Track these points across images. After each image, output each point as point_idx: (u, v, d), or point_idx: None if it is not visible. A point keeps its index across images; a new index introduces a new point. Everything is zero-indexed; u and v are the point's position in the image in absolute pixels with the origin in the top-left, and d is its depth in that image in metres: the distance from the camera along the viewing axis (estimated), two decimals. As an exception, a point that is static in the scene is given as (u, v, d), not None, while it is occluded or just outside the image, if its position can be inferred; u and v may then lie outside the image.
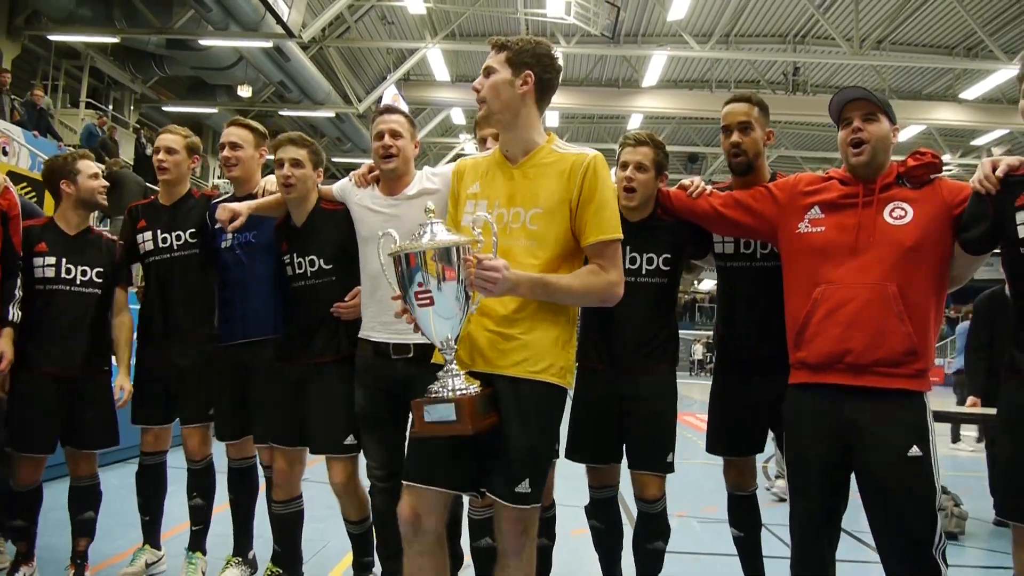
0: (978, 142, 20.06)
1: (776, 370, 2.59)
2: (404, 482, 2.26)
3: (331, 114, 17.34)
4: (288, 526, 3.19)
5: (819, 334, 2.38)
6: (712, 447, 3.01)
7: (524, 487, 2.15)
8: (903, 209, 2.36)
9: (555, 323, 2.24)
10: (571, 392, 2.38)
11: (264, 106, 17.29)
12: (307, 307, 3.04)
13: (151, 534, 3.49)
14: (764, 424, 2.90)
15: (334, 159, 20.02)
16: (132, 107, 17.35)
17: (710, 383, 3.09)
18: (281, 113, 17.59)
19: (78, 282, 3.25)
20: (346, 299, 2.96)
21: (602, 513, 3.04)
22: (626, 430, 2.88)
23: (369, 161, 3.04)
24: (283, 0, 12.14)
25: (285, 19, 12.22)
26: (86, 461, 3.34)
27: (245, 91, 16.28)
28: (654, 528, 2.93)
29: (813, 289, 2.41)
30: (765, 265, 2.77)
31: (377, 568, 3.14)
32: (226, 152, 3.29)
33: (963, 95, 17.25)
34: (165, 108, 17.56)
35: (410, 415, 2.19)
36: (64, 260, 3.24)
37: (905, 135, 17.33)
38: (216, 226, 3.21)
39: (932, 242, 2.34)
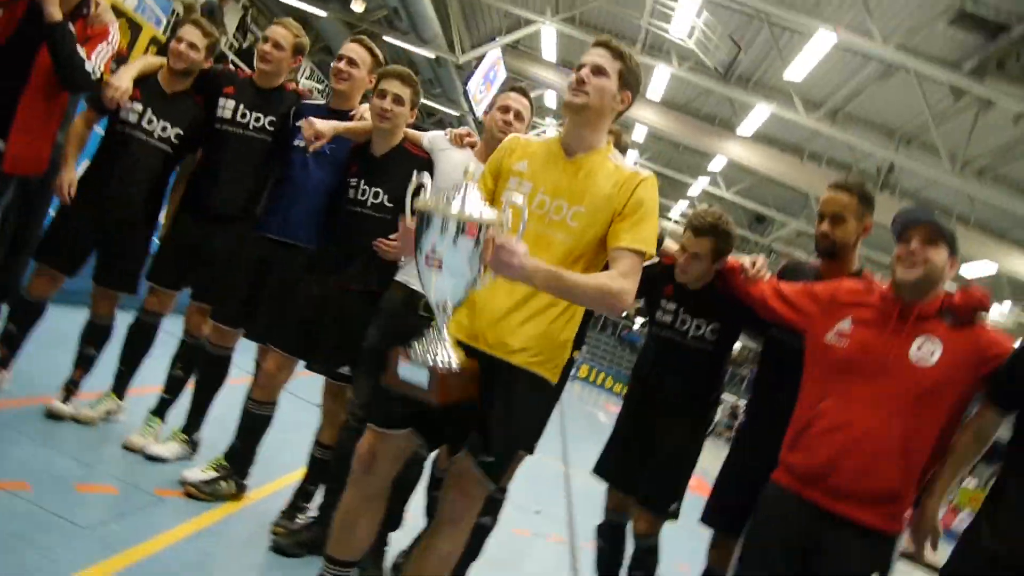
0: (1045, 302, 19.52)
1: None
2: (369, 423, 2.27)
3: (432, 56, 17.34)
4: (254, 427, 3.25)
5: (811, 448, 2.36)
6: (710, 519, 2.98)
7: (494, 465, 2.18)
8: (933, 346, 2.29)
9: (566, 321, 2.26)
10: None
11: (372, 26, 17.32)
12: (354, 233, 3.07)
13: (121, 385, 3.58)
14: None
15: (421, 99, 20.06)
16: (249, -17, 17.49)
17: (725, 451, 3.15)
18: (385, 38, 17.62)
19: (155, 135, 3.35)
20: (391, 237, 2.98)
21: (609, 536, 3.22)
22: (646, 466, 2.99)
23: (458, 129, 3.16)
24: (425, -69, 12.12)
25: (420, -50, 12.21)
26: (108, 301, 3.49)
27: (359, 5, 16.33)
28: (641, 560, 3.08)
29: (820, 400, 2.37)
30: None
31: (315, 502, 3.18)
32: (343, 65, 3.29)
33: (1045, 251, 16.78)
34: (279, -4, 17.67)
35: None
36: (150, 110, 3.33)
37: (975, 271, 16.91)
38: (296, 124, 3.25)
39: (953, 389, 2.27)
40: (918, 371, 2.28)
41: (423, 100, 21.70)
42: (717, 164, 18.48)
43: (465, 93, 18.08)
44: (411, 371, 1.99)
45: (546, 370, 2.23)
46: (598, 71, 2.23)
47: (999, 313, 18.27)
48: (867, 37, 11.03)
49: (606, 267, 2.26)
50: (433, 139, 3.13)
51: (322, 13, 17.30)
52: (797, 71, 12.72)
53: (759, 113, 15.04)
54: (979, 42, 10.92)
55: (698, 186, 20.28)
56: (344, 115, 3.26)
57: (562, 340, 2.26)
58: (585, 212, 2.19)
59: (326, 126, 3.07)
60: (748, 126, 15.91)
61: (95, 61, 3.02)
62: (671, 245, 3.00)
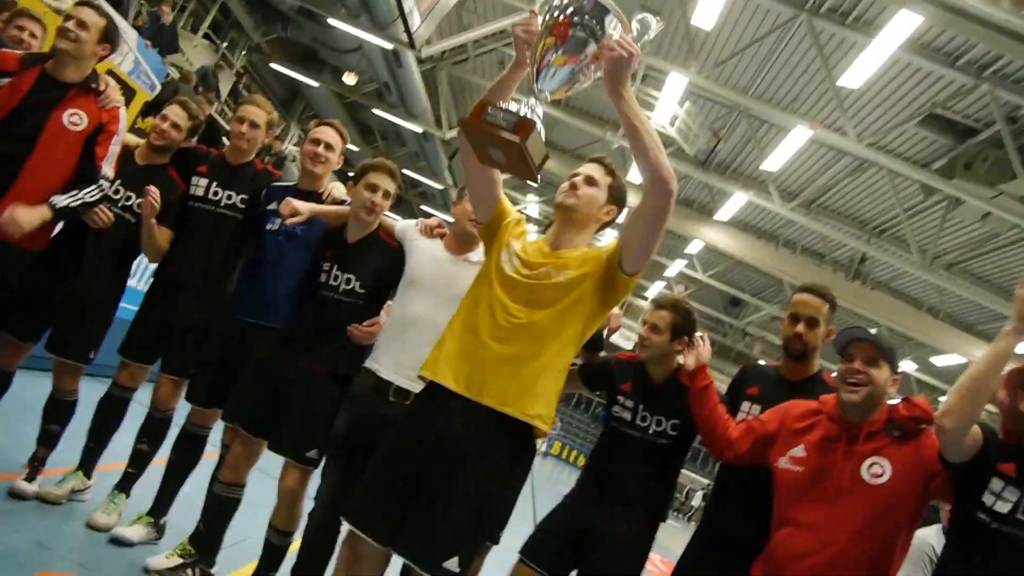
0: (1012, 395, 19.74)
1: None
2: (343, 520, 2.23)
3: (419, 130, 17.69)
4: (222, 509, 3.16)
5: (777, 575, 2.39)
6: None
7: (452, 565, 2.10)
8: (881, 466, 2.35)
9: (562, 372, 2.26)
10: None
11: (363, 98, 17.70)
12: (326, 317, 3.07)
13: (88, 462, 3.48)
14: None
15: (405, 170, 20.32)
16: (244, 52, 17.87)
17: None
18: (374, 111, 17.98)
19: (120, 205, 3.34)
20: (364, 324, 2.98)
21: None
22: (585, 564, 2.86)
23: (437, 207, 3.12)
24: (419, 13, 12.51)
25: (413, 30, 12.58)
26: (69, 375, 3.39)
27: (350, 79, 16.70)
28: None
29: (784, 523, 2.42)
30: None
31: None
32: (321, 149, 3.32)
33: (1013, 345, 17.07)
34: (272, 65, 18.05)
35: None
36: (119, 181, 3.33)
37: (945, 361, 17.15)
38: (269, 207, 3.27)
39: (906, 502, 2.33)
40: (872, 490, 2.33)
41: (411, 172, 21.94)
42: (694, 247, 18.79)
43: (451, 167, 18.39)
44: (499, 115, 1.98)
45: (540, 420, 2.18)
46: (590, 181, 2.36)
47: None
48: (841, 134, 11.44)
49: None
50: (404, 229, 3.13)
51: (314, 83, 17.66)
52: (774, 162, 13.11)
53: (736, 200, 15.40)
54: (948, 143, 11.37)
55: (675, 268, 20.56)
56: (315, 196, 3.30)
57: (555, 388, 2.25)
58: (572, 271, 2.25)
59: (304, 206, 3.10)
60: (725, 212, 16.25)
61: (105, 169, 3.09)
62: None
